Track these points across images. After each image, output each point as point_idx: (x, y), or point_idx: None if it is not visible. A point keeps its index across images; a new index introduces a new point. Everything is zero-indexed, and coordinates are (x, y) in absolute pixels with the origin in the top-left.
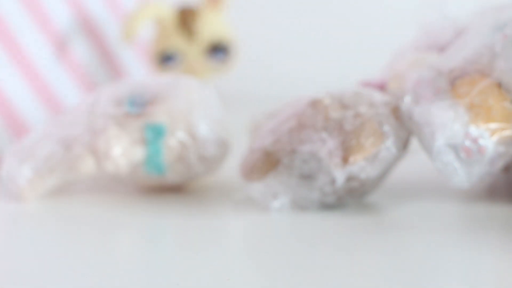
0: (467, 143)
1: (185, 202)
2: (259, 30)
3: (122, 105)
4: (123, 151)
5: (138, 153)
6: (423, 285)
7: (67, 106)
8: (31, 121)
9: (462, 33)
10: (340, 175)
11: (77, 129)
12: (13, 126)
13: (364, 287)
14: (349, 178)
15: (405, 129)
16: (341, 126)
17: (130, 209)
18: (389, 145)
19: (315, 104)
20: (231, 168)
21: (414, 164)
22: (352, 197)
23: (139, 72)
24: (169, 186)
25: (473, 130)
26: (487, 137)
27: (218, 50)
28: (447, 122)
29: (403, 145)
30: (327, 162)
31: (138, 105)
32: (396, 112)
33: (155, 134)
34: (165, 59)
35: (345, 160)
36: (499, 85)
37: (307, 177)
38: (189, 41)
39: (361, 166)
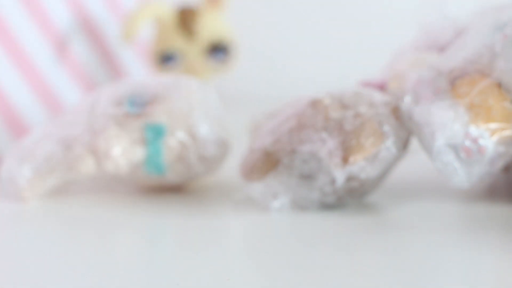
0: (467, 143)
1: (185, 202)
2: (259, 30)
3: (122, 105)
4: (123, 151)
5: (138, 153)
6: (423, 285)
7: (67, 106)
8: (31, 121)
9: (462, 33)
10: (340, 175)
11: (77, 129)
12: (13, 126)
13: (364, 287)
14: (349, 178)
15: (405, 129)
16: (341, 126)
17: (130, 209)
18: (389, 145)
19: (315, 104)
20: (231, 168)
21: (414, 164)
22: (352, 197)
23: (139, 72)
24: (169, 186)
25: (473, 130)
26: (487, 137)
27: (218, 50)
28: (447, 122)
29: (403, 145)
30: (327, 162)
31: (138, 105)
32: (396, 112)
33: (155, 134)
34: (165, 59)
35: (345, 160)
36: (499, 85)
37: (307, 177)
38: (189, 41)
39: (361, 166)
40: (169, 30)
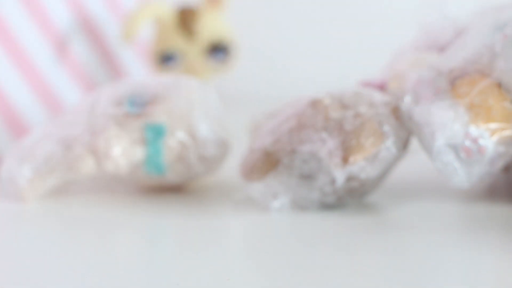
0: (467, 143)
1: (185, 202)
2: (259, 30)
3: (122, 105)
4: (123, 151)
5: (138, 153)
6: (423, 285)
7: (67, 106)
8: (31, 121)
9: (462, 33)
10: (340, 175)
11: (77, 129)
12: (13, 126)
13: (364, 287)
14: (349, 178)
15: (405, 129)
16: (341, 126)
17: (130, 209)
18: (389, 145)
19: (315, 104)
20: (231, 168)
21: (414, 164)
22: (352, 197)
23: (139, 72)
24: (169, 186)
25: (473, 130)
26: (487, 137)
27: (218, 50)
28: (447, 122)
29: (403, 145)
30: (327, 162)
31: (138, 105)
32: (396, 112)
33: (155, 134)
34: (165, 59)
35: (345, 160)
36: (499, 85)
37: (307, 177)
38: (189, 41)
39: (361, 166)
40: (169, 30)
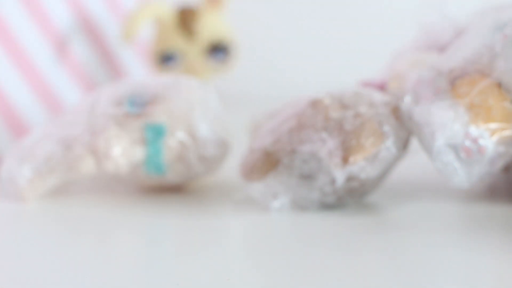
0: (467, 143)
1: (185, 202)
2: (259, 30)
3: (122, 105)
4: (123, 151)
5: (138, 153)
6: (423, 285)
7: (67, 106)
8: (31, 121)
9: (462, 33)
10: (340, 175)
11: (77, 129)
12: (13, 126)
13: (364, 287)
14: (349, 178)
15: (405, 129)
16: (341, 126)
17: (130, 209)
18: (389, 145)
19: (315, 104)
20: (231, 168)
21: (414, 164)
22: (352, 197)
23: (139, 72)
24: (169, 186)
25: (473, 130)
26: (487, 137)
27: (218, 50)
28: (447, 122)
29: (403, 145)
30: (327, 162)
31: (138, 105)
32: (396, 112)
33: (155, 134)
34: (165, 59)
35: (345, 160)
36: (499, 85)
37: (307, 177)
38: (189, 41)
39: (361, 166)
40: (169, 30)
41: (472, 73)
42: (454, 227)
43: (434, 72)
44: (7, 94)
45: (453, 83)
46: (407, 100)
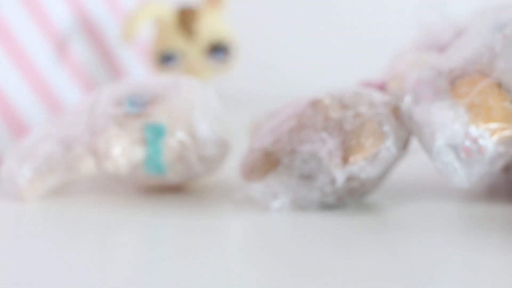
0: (467, 143)
1: (185, 202)
2: (259, 30)
3: (122, 105)
4: (123, 151)
5: (138, 153)
6: (423, 285)
7: (67, 106)
8: (31, 121)
9: (462, 33)
10: (340, 175)
11: (77, 129)
12: (13, 126)
13: (364, 287)
14: (349, 178)
15: (405, 129)
16: (341, 126)
17: (130, 209)
18: (389, 145)
19: (315, 104)
20: (231, 168)
21: (414, 164)
22: (352, 197)
23: (139, 72)
24: (169, 186)
25: (473, 130)
26: (487, 137)
27: (218, 50)
28: (447, 122)
29: (403, 145)
30: (327, 162)
31: (138, 105)
32: (396, 112)
33: (155, 134)
34: (165, 59)
35: (345, 160)
36: (499, 85)
37: (307, 177)
38: (189, 41)
39: (361, 166)
40: (169, 30)
41: (472, 73)
42: (454, 227)
43: (434, 72)
44: (7, 94)
45: (453, 83)
46: (407, 100)
